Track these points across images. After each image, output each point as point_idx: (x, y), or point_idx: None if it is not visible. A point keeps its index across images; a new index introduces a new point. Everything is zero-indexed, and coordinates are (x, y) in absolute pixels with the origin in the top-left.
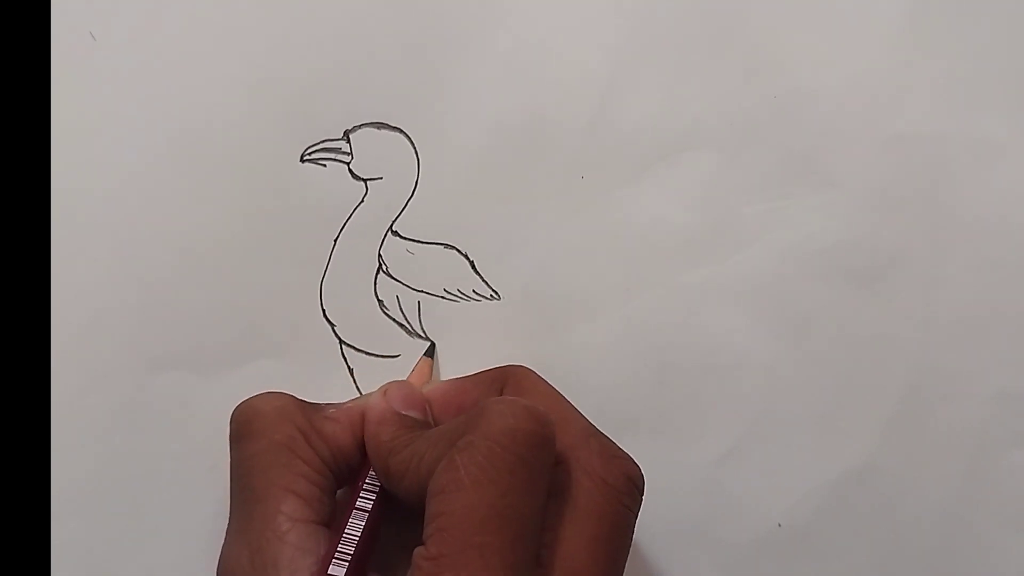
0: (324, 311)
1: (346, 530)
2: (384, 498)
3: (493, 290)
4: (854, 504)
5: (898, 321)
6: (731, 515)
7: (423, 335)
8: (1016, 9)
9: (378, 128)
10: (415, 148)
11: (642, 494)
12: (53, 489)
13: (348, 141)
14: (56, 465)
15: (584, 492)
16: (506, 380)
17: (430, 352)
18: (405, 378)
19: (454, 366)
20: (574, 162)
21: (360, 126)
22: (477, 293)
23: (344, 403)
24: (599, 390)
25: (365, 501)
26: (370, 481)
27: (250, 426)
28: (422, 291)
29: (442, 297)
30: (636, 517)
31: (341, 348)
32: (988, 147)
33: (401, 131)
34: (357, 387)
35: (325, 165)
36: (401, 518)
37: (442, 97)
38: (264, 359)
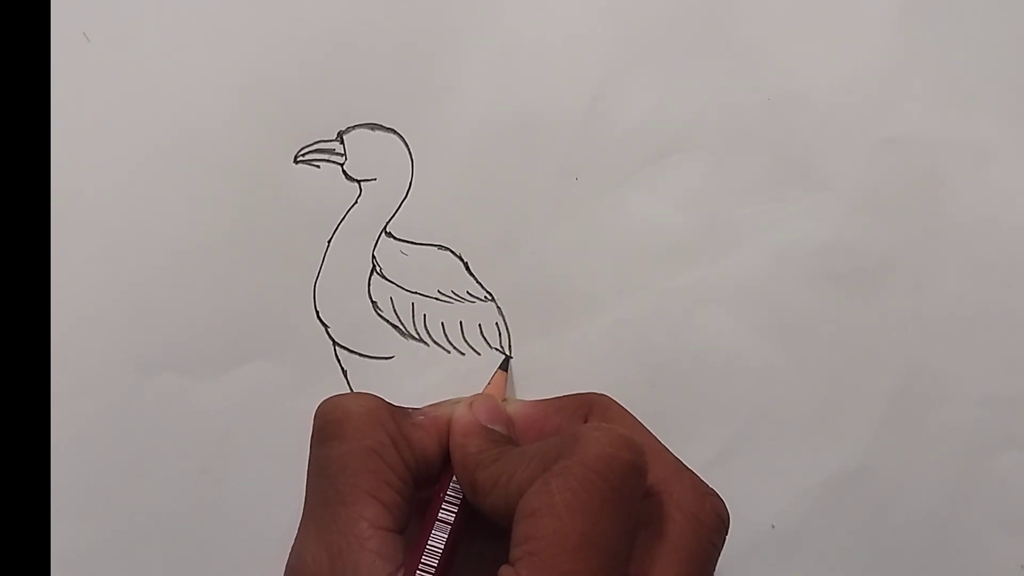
0: (318, 312)
1: (429, 541)
2: (465, 510)
3: (487, 291)
4: (847, 505)
5: (889, 323)
6: None
7: (417, 336)
8: (1007, 12)
9: (372, 129)
10: (409, 149)
11: (727, 530)
12: (53, 489)
13: (342, 142)
14: (55, 467)
15: (676, 527)
16: (591, 408)
17: (505, 365)
18: (481, 390)
19: (449, 366)
20: (568, 164)
21: (354, 127)
22: (471, 294)
23: (429, 408)
24: (592, 391)
25: (448, 513)
26: (452, 493)
27: (340, 426)
28: (416, 292)
29: (436, 298)
30: (719, 554)
31: (335, 349)
32: (979, 150)
33: (395, 132)
34: (351, 388)
35: (319, 166)
36: (481, 533)
37: (436, 99)
38: (258, 361)
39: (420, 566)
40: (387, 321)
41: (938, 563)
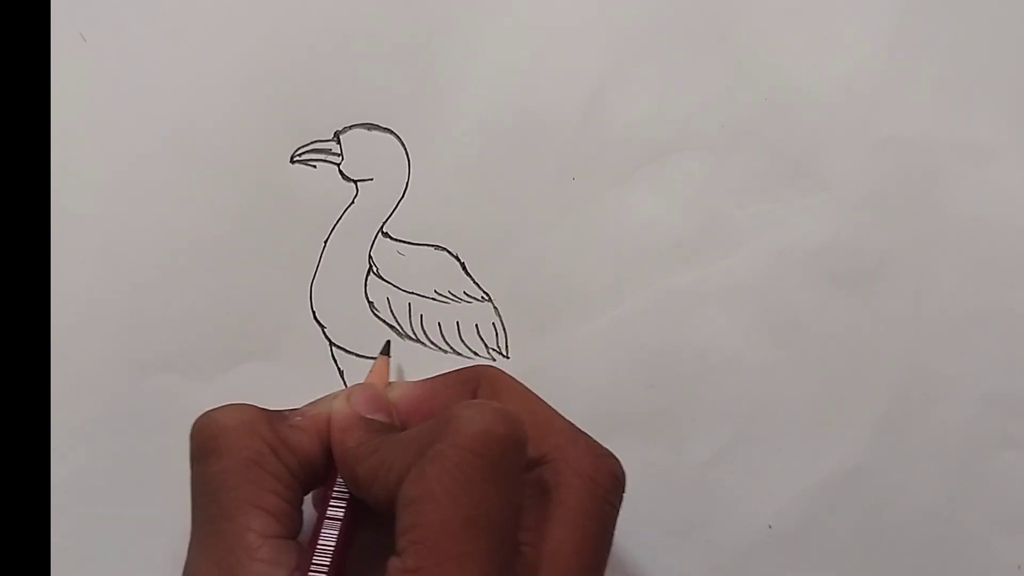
0: (314, 313)
1: (319, 541)
2: (354, 505)
3: (484, 291)
4: (845, 505)
5: (888, 323)
6: (722, 516)
7: (414, 337)
8: (1006, 12)
9: (368, 129)
10: (406, 149)
11: (623, 490)
12: (53, 488)
13: (338, 142)
14: (55, 467)
15: (574, 492)
16: (478, 382)
17: (386, 350)
18: (364, 379)
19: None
20: (565, 163)
21: (350, 127)
22: (468, 295)
23: (307, 408)
24: (589, 392)
25: (336, 510)
26: (339, 489)
27: (215, 442)
28: (413, 293)
29: (432, 299)
30: (618, 514)
31: (331, 350)
32: (978, 149)
33: (392, 132)
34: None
35: (315, 166)
36: (373, 524)
37: (433, 99)
38: (254, 361)
39: (312, 566)
40: (384, 321)
41: (936, 563)
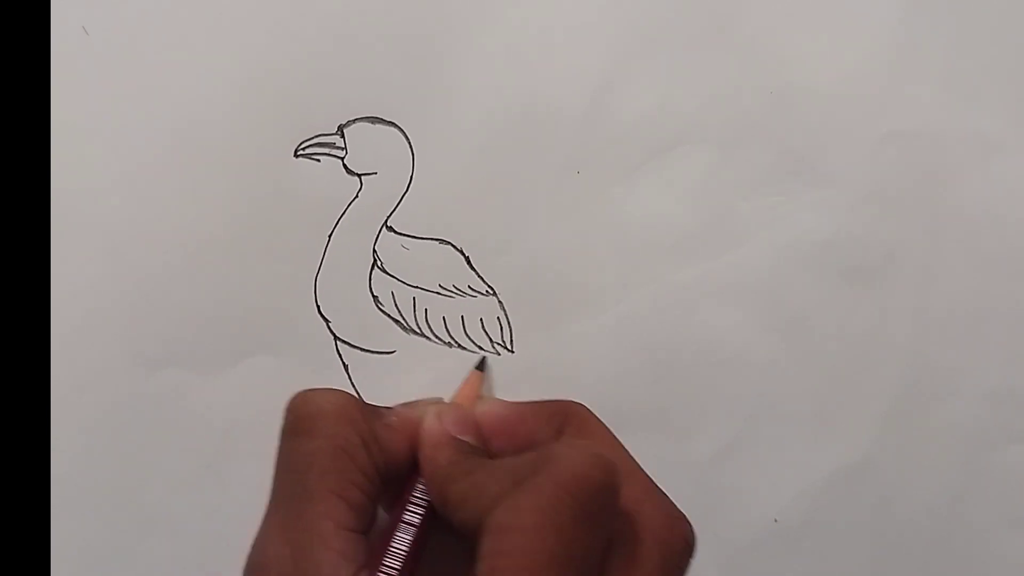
0: (319, 307)
1: (392, 543)
2: (431, 515)
3: (488, 286)
4: (850, 500)
5: (894, 317)
6: (728, 511)
7: (418, 331)
8: (1011, 7)
9: (372, 123)
10: (410, 143)
11: (692, 556)
12: (53, 487)
13: (342, 136)
14: (54, 463)
15: (645, 550)
16: (566, 418)
17: (482, 365)
18: (456, 391)
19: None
20: (570, 157)
21: (354, 121)
22: (472, 289)
23: (402, 408)
24: (595, 386)
25: (412, 515)
26: (419, 495)
27: (311, 422)
28: (417, 287)
29: (437, 293)
30: None
31: (336, 344)
32: (984, 144)
33: (396, 126)
34: (352, 383)
35: (319, 160)
36: (447, 540)
37: (437, 92)
38: (259, 356)
39: (382, 567)
40: (388, 315)
41: (941, 558)
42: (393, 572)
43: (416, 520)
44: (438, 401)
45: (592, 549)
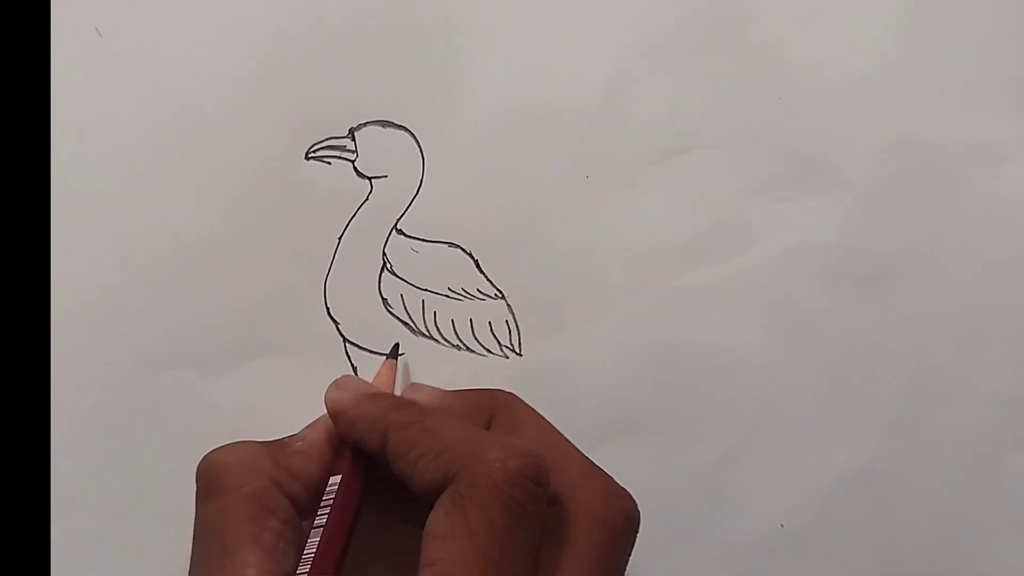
0: (328, 309)
1: (305, 549)
2: (351, 506)
3: (497, 289)
4: (856, 505)
5: (900, 323)
6: (733, 515)
7: (427, 334)
8: (1020, 13)
9: (383, 126)
10: (420, 147)
11: (637, 532)
12: (53, 486)
13: (353, 139)
14: (56, 463)
15: (583, 534)
16: (495, 408)
17: (394, 353)
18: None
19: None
20: (579, 162)
21: (365, 124)
22: (481, 292)
23: (306, 429)
24: (601, 390)
25: (321, 517)
26: (325, 498)
27: (217, 481)
28: (426, 290)
29: (446, 296)
30: (629, 556)
31: (345, 346)
32: (991, 150)
33: (406, 129)
34: None
35: (330, 163)
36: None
37: (447, 96)
38: (267, 357)
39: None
40: (397, 318)
41: (946, 563)
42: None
43: (321, 520)
44: None
45: (528, 548)
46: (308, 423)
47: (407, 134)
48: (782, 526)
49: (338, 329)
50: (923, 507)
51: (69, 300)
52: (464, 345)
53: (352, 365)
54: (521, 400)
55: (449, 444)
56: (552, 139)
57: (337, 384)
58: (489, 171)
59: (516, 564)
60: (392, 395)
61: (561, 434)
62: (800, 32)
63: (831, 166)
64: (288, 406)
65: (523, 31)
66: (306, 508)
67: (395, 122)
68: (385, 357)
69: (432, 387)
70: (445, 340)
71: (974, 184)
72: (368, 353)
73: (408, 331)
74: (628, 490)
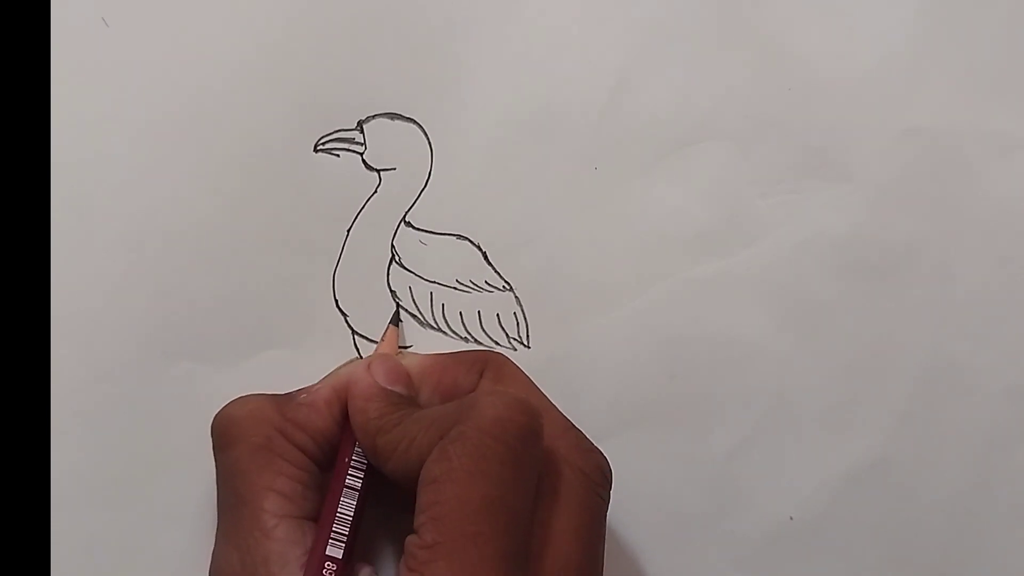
0: (337, 301)
1: (339, 510)
2: (369, 477)
3: (505, 281)
4: (866, 497)
5: (911, 314)
6: (743, 508)
7: (435, 326)
8: None
9: (392, 119)
10: (429, 139)
11: (611, 488)
12: (56, 481)
13: (362, 131)
14: (59, 456)
15: (566, 483)
16: (486, 365)
17: (395, 319)
18: (376, 348)
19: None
20: (587, 153)
21: (374, 116)
22: (489, 284)
23: (315, 385)
24: (611, 383)
25: (353, 479)
26: (356, 458)
27: (228, 434)
28: (435, 282)
29: (454, 288)
30: (607, 511)
31: (353, 338)
32: (1003, 140)
33: (415, 122)
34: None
35: (338, 155)
36: (386, 498)
37: (456, 88)
38: (276, 349)
39: (332, 535)
40: (406, 310)
41: (958, 556)
42: (343, 536)
43: (357, 484)
44: (354, 361)
45: (523, 488)
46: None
47: (416, 126)
48: (792, 519)
49: (347, 321)
50: (935, 500)
51: (74, 293)
52: (472, 337)
53: (360, 357)
54: (511, 360)
55: (434, 416)
56: (561, 131)
57: (368, 363)
58: (498, 163)
59: (512, 503)
60: (393, 394)
61: (542, 392)
62: (811, 23)
63: (842, 157)
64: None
65: (532, 23)
66: (317, 458)
67: (404, 114)
68: (387, 324)
69: (423, 354)
70: (453, 332)
71: (987, 175)
72: (376, 346)
73: (416, 323)
74: (633, 479)
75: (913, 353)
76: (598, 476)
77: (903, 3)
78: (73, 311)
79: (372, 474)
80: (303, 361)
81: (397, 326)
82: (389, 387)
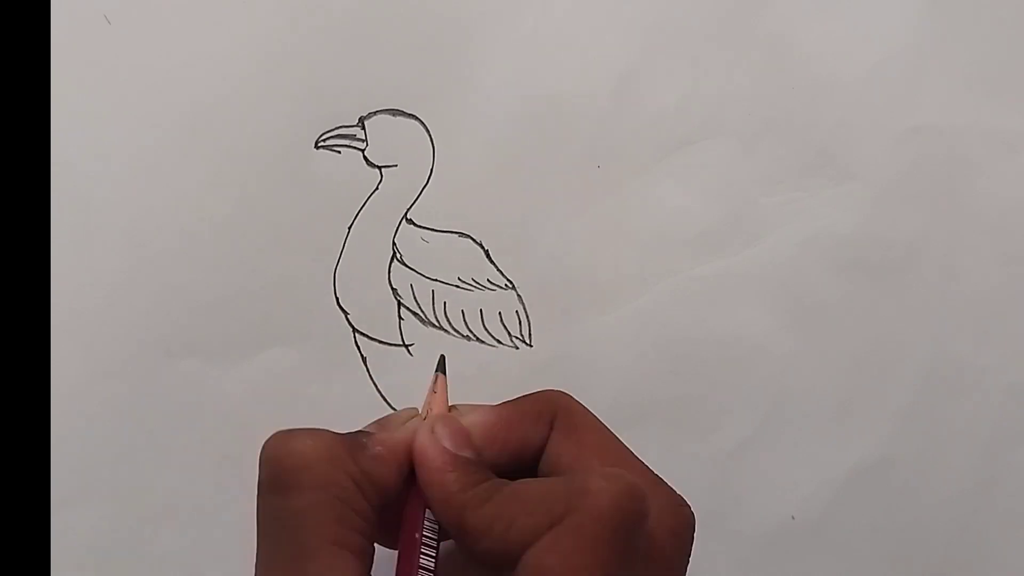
0: (338, 299)
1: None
2: (439, 538)
3: (507, 279)
4: (868, 496)
5: (914, 313)
6: (745, 507)
7: (437, 324)
8: None
9: (393, 115)
10: (430, 136)
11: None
12: (54, 480)
13: (363, 128)
14: (59, 456)
15: (657, 545)
16: (555, 413)
17: (442, 367)
18: (426, 397)
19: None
20: (590, 151)
21: (375, 113)
22: (491, 282)
23: (382, 433)
24: (614, 381)
25: (427, 559)
26: (428, 534)
27: (297, 476)
28: (436, 280)
29: (456, 286)
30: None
31: (354, 336)
32: (1006, 138)
33: (416, 119)
34: (370, 376)
35: (340, 152)
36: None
37: (458, 85)
38: (277, 347)
39: None
40: (407, 308)
41: (960, 554)
42: None
43: (432, 564)
44: (412, 412)
45: (630, 570)
46: (380, 418)
47: (418, 123)
48: (794, 518)
49: (348, 319)
50: (937, 499)
51: (75, 293)
52: (474, 336)
53: (361, 355)
54: (576, 400)
55: (538, 496)
56: (564, 128)
57: (431, 426)
58: (500, 161)
59: None
60: (468, 462)
61: (618, 439)
62: (814, 21)
63: (845, 156)
64: (298, 396)
65: (535, 20)
66: (380, 514)
67: (406, 111)
68: (434, 373)
69: (482, 405)
70: (455, 331)
71: (990, 173)
72: (377, 343)
73: (418, 321)
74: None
75: (915, 352)
76: (688, 534)
77: (906, 2)
78: (73, 311)
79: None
80: (304, 359)
81: (445, 374)
82: (458, 452)
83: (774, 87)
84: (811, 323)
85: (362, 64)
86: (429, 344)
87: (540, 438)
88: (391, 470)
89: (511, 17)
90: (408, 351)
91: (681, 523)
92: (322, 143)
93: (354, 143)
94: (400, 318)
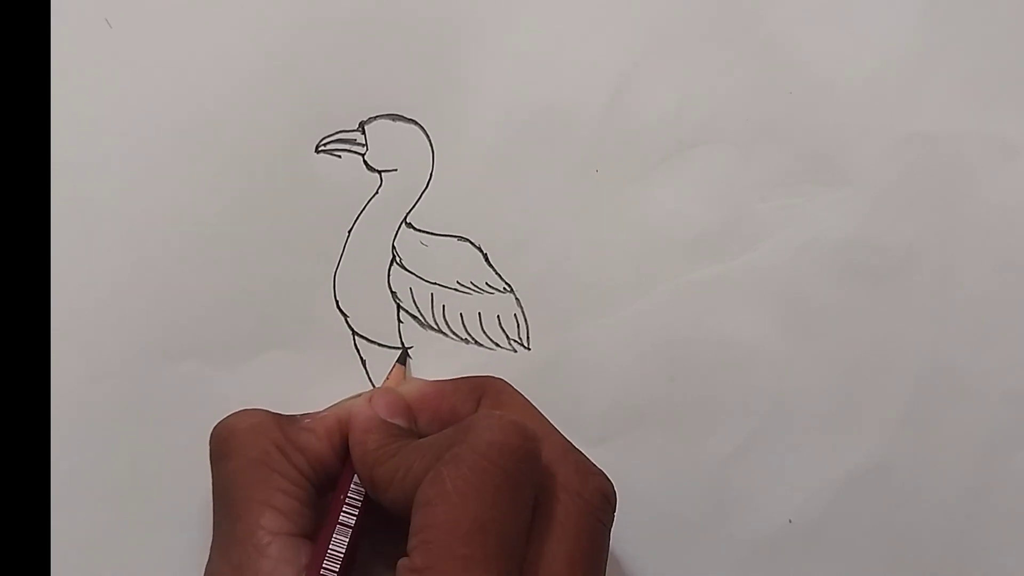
0: (337, 302)
1: (331, 546)
2: (366, 510)
3: (506, 283)
4: (865, 501)
5: (911, 319)
6: (742, 511)
7: (436, 327)
8: None
9: (393, 120)
10: (430, 140)
11: (615, 510)
12: (56, 482)
13: (363, 132)
14: (59, 456)
15: (563, 508)
16: (484, 391)
17: (403, 359)
18: (380, 384)
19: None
20: (588, 156)
21: (375, 117)
22: (490, 286)
23: (320, 412)
24: (610, 385)
25: (348, 516)
26: (352, 495)
27: (227, 445)
28: (435, 283)
29: (455, 289)
30: (610, 532)
31: (354, 339)
32: (1003, 144)
33: (416, 123)
34: (370, 378)
35: (340, 156)
36: (383, 529)
37: (457, 90)
38: (276, 350)
39: (322, 571)
40: (406, 311)
41: (957, 559)
42: (332, 573)
43: (351, 520)
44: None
45: (517, 512)
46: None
47: (417, 128)
48: (791, 522)
49: (347, 322)
50: (934, 504)
51: (74, 293)
52: (473, 339)
53: (361, 358)
54: (509, 384)
55: (430, 442)
56: (562, 133)
57: (370, 396)
58: (499, 165)
59: (505, 527)
60: (393, 426)
61: (543, 416)
62: (811, 26)
63: (843, 161)
64: (297, 399)
65: (533, 25)
66: (313, 481)
67: (405, 115)
68: (396, 360)
69: (423, 380)
70: (454, 334)
71: (987, 179)
72: (377, 346)
73: (417, 324)
74: (633, 481)
75: (912, 357)
76: (598, 500)
77: (905, 7)
78: (73, 311)
79: (369, 511)
80: (303, 362)
81: (404, 364)
82: (389, 419)
83: (771, 92)
84: (808, 327)
85: (362, 69)
86: (428, 347)
87: (468, 412)
88: (319, 439)
89: (510, 22)
90: (407, 354)
91: (588, 487)
92: (322, 147)
93: (354, 147)
94: (399, 321)
